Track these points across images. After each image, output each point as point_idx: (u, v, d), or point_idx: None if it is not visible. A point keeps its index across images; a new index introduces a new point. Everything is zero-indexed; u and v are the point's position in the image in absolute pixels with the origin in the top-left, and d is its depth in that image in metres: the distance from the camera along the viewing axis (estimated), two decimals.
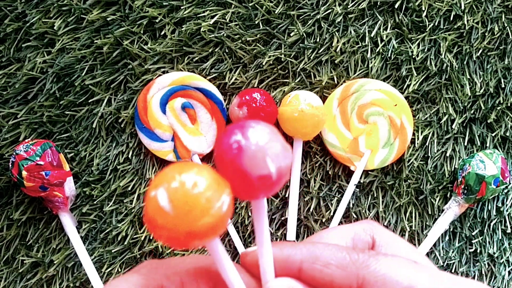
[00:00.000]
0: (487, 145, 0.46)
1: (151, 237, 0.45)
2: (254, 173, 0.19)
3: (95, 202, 0.45)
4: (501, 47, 0.46)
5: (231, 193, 0.19)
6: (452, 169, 0.46)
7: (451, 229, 0.46)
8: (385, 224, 0.46)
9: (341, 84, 0.45)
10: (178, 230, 0.18)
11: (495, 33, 0.46)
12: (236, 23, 0.45)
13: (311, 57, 0.45)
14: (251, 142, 0.19)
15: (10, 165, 0.42)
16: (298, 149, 0.43)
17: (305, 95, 0.42)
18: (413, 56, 0.45)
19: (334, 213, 0.45)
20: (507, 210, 0.46)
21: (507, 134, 0.46)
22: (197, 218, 0.18)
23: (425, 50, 0.46)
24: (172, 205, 0.18)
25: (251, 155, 0.19)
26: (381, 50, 0.45)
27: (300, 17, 0.45)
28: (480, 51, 0.46)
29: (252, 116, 0.41)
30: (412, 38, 0.46)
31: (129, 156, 0.45)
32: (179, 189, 0.18)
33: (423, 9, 0.45)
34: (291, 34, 0.45)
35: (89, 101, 0.45)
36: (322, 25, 0.45)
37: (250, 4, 0.45)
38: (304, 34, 0.45)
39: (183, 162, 0.23)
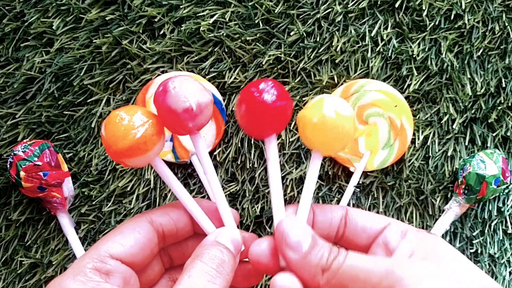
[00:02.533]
0: (488, 145, 0.46)
1: None
2: (178, 107, 0.27)
3: (93, 203, 0.45)
4: (501, 47, 0.46)
5: (151, 127, 0.28)
6: (453, 169, 0.46)
7: (452, 230, 0.46)
8: None
9: (341, 84, 0.45)
10: (110, 148, 0.28)
11: (496, 33, 0.46)
12: (235, 22, 0.45)
13: (311, 57, 0.45)
14: (173, 85, 0.27)
15: (8, 166, 0.42)
16: (314, 165, 0.31)
17: (332, 100, 0.30)
18: (414, 56, 0.45)
19: None
20: (508, 211, 0.46)
21: (508, 134, 0.46)
22: (117, 141, 0.27)
23: (426, 50, 0.46)
24: (105, 132, 0.28)
25: (173, 94, 0.27)
26: (381, 50, 0.45)
27: (300, 17, 0.45)
28: (481, 50, 0.46)
29: (253, 113, 0.29)
30: (413, 38, 0.46)
31: None
32: (110, 121, 0.28)
33: (424, 8, 0.45)
34: (291, 34, 0.45)
35: (88, 101, 0.45)
36: (322, 25, 0.45)
37: (249, 4, 0.45)
38: (304, 33, 0.45)
39: (130, 105, 0.34)
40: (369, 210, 0.46)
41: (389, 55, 0.45)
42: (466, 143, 0.46)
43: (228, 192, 0.45)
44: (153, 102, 0.28)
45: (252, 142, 0.45)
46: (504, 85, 0.46)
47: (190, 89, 0.27)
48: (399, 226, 0.29)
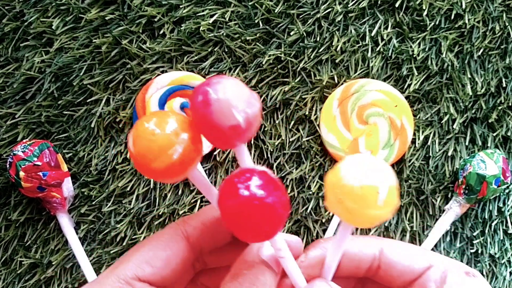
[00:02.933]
0: (488, 145, 0.46)
1: None
2: (224, 125, 0.21)
3: (93, 203, 0.45)
4: (502, 47, 0.46)
5: (189, 144, 0.22)
6: (453, 169, 0.46)
7: (452, 230, 0.46)
8: (386, 225, 0.46)
9: (342, 83, 0.45)
10: (141, 167, 0.22)
11: (496, 32, 0.46)
12: (235, 22, 0.45)
13: (311, 57, 0.45)
14: (216, 96, 0.21)
15: (8, 166, 0.42)
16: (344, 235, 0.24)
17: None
18: (414, 56, 0.45)
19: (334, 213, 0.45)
20: (508, 211, 0.46)
21: (508, 134, 0.46)
22: (150, 161, 0.21)
23: (426, 50, 0.45)
24: (134, 148, 0.22)
25: (218, 109, 0.21)
26: (381, 50, 0.45)
27: (300, 16, 0.45)
28: (481, 50, 0.46)
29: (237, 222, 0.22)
30: (413, 37, 0.45)
31: (128, 156, 0.45)
32: (139, 135, 0.22)
33: (424, 8, 0.45)
34: (291, 33, 0.45)
35: (88, 101, 0.45)
36: (322, 24, 0.45)
37: (249, 3, 0.44)
38: (304, 33, 0.45)
39: (159, 112, 0.27)
40: None
41: (389, 55, 0.45)
42: (467, 143, 0.46)
43: None
44: (191, 110, 0.22)
45: (252, 142, 0.45)
46: (504, 85, 0.46)
47: (237, 99, 0.21)
48: (440, 268, 0.26)
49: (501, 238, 0.46)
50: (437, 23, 0.45)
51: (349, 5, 0.45)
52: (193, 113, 0.22)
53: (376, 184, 0.21)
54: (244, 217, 0.20)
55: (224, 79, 0.22)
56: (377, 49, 0.45)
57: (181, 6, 0.45)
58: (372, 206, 0.21)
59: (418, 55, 0.45)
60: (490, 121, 0.46)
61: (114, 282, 0.24)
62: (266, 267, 0.25)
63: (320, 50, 0.45)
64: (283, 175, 0.45)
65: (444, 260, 0.26)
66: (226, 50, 0.45)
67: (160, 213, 0.45)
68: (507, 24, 0.46)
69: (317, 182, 0.45)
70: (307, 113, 0.45)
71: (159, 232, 0.26)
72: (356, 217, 0.21)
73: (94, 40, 0.44)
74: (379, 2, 0.45)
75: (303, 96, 0.45)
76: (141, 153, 0.22)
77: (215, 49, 0.45)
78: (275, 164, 0.45)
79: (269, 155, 0.45)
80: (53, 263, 0.45)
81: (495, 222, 0.46)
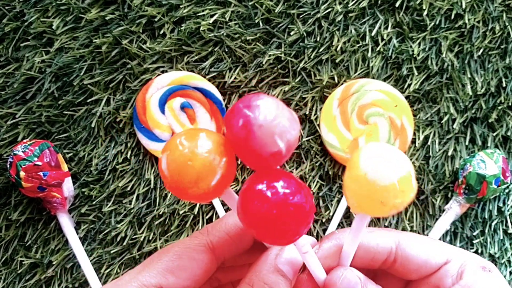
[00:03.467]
0: (488, 144, 0.46)
1: (150, 238, 0.45)
2: (265, 152, 0.20)
3: (94, 203, 0.45)
4: (502, 46, 0.46)
5: (227, 168, 0.21)
6: (453, 169, 0.46)
7: (452, 229, 0.46)
8: (386, 224, 0.46)
9: (342, 83, 0.45)
10: (175, 191, 0.21)
11: (496, 32, 0.46)
12: (235, 22, 0.45)
13: (312, 56, 0.45)
14: (258, 122, 0.19)
15: (8, 166, 0.42)
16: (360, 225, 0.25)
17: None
18: (414, 55, 0.45)
19: (334, 213, 0.45)
20: (508, 210, 0.46)
21: (508, 133, 0.46)
22: (186, 187, 0.20)
23: (426, 49, 0.45)
24: (168, 171, 0.21)
25: (260, 136, 0.19)
26: (381, 49, 0.45)
27: (300, 16, 0.45)
28: (481, 50, 0.46)
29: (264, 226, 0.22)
30: (413, 37, 0.45)
31: (128, 156, 0.45)
32: (174, 159, 0.20)
33: (424, 8, 0.45)
34: (291, 33, 0.45)
35: (88, 101, 0.45)
36: (323, 24, 0.45)
37: (250, 3, 0.44)
38: (304, 33, 0.45)
39: (193, 129, 0.24)
40: None
41: (390, 54, 0.45)
42: (467, 143, 0.46)
43: None
44: (228, 132, 0.21)
45: None
46: (504, 85, 0.46)
47: (279, 124, 0.20)
48: (457, 263, 0.25)
49: (501, 238, 0.46)
50: (437, 23, 0.45)
51: (349, 5, 0.45)
52: (232, 137, 0.21)
53: (408, 172, 0.21)
54: (273, 220, 0.20)
55: (265, 101, 0.20)
56: (377, 49, 0.45)
57: (181, 6, 0.45)
58: (410, 191, 0.21)
59: (418, 55, 0.45)
60: (490, 121, 0.46)
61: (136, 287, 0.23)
62: (281, 276, 0.25)
63: (320, 50, 0.45)
64: None
65: (462, 254, 0.26)
66: (226, 50, 0.45)
67: (160, 213, 0.45)
68: (507, 24, 0.46)
69: (317, 182, 0.45)
70: (307, 113, 0.45)
71: (185, 241, 0.26)
72: (389, 210, 0.21)
73: (94, 40, 0.44)
74: (379, 2, 0.45)
75: (303, 96, 0.45)
76: (176, 179, 0.21)
77: (215, 49, 0.45)
78: None
79: None
80: (54, 263, 0.45)
81: (495, 222, 0.46)
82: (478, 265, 0.25)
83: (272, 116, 0.20)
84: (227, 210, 0.44)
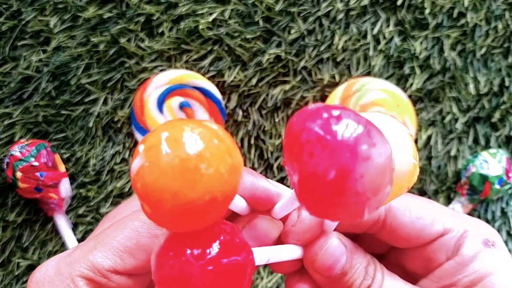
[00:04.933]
0: (491, 144, 0.46)
1: None
2: (349, 220, 0.15)
3: (91, 204, 0.45)
4: (505, 45, 0.46)
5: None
6: (456, 169, 0.45)
7: None
8: None
9: (343, 82, 0.45)
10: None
11: (499, 31, 0.45)
12: (235, 20, 0.44)
13: (312, 55, 0.45)
14: (360, 190, 0.14)
15: (5, 166, 0.42)
16: None
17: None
18: (416, 54, 0.45)
19: None
20: (511, 212, 0.46)
21: (511, 133, 0.46)
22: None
23: (428, 48, 0.45)
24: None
25: (356, 194, 0.14)
26: (383, 48, 0.45)
27: (301, 14, 0.45)
28: (484, 49, 0.45)
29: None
30: (415, 36, 0.45)
31: (126, 156, 0.45)
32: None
33: (426, 6, 0.45)
34: (292, 32, 0.45)
35: (85, 100, 0.45)
36: (323, 23, 0.45)
37: (249, 1, 0.44)
38: (304, 31, 0.44)
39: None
40: None
41: (391, 53, 0.45)
42: (469, 143, 0.46)
43: None
44: (302, 178, 0.15)
45: (252, 142, 0.45)
46: (507, 84, 0.45)
47: (380, 177, 0.14)
48: (456, 235, 0.22)
49: (504, 239, 0.45)
50: (439, 21, 0.45)
51: (350, 3, 0.45)
52: (309, 182, 0.15)
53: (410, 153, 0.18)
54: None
55: (374, 158, 0.14)
56: (379, 47, 0.45)
57: (180, 4, 0.44)
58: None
59: (420, 53, 0.45)
60: (493, 120, 0.45)
61: (85, 269, 0.19)
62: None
63: (321, 48, 0.45)
64: (283, 175, 0.45)
65: (463, 223, 0.22)
66: (226, 48, 0.45)
67: None
68: (509, 22, 0.45)
69: None
70: None
71: (140, 211, 0.20)
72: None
73: (92, 39, 0.44)
74: (380, 0, 0.45)
75: (304, 96, 0.45)
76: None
77: (214, 48, 0.45)
78: (275, 164, 0.45)
79: (269, 155, 0.45)
80: None
81: (498, 223, 0.45)
82: (480, 238, 0.22)
83: (376, 183, 0.14)
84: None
